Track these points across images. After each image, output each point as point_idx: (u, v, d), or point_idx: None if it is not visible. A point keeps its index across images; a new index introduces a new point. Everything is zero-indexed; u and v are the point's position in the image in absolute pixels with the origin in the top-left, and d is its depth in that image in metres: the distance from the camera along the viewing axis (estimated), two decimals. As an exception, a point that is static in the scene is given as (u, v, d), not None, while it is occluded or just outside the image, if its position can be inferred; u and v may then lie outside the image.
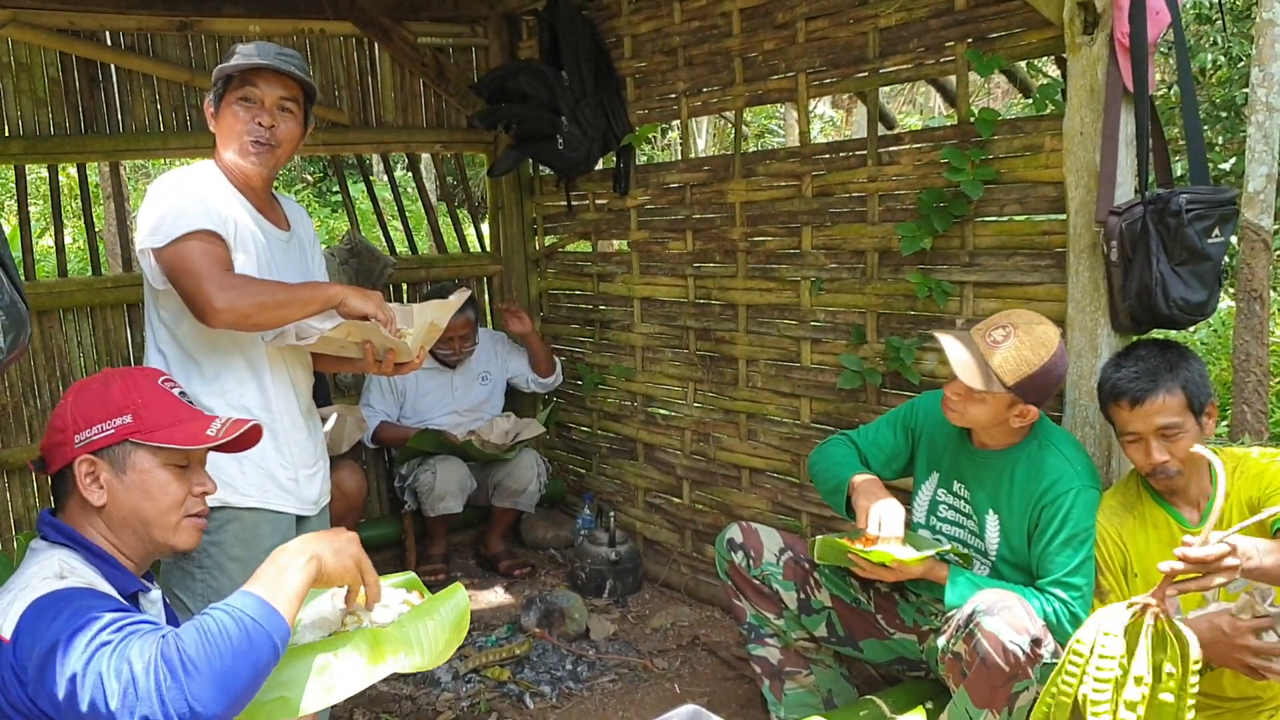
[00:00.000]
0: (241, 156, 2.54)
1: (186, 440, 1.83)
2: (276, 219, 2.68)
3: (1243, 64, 9.13)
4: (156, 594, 1.94)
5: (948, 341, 2.58)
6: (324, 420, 4.09)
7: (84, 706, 1.51)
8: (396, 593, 1.98)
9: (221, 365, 2.56)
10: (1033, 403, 2.56)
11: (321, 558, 1.75)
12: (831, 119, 14.69)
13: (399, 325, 2.57)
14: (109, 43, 4.26)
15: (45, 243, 8.81)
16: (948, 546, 2.71)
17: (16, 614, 1.60)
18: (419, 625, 1.84)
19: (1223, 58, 9.40)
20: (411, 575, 2.09)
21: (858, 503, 2.75)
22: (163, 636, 1.54)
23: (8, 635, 1.59)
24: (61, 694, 1.52)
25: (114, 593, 1.73)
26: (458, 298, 2.79)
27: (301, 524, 2.75)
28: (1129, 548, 2.55)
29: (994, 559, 2.72)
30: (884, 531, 2.65)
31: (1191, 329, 8.10)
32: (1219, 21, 9.46)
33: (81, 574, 1.72)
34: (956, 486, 2.81)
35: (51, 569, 1.70)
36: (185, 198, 2.43)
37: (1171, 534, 2.52)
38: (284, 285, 2.45)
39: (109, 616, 1.58)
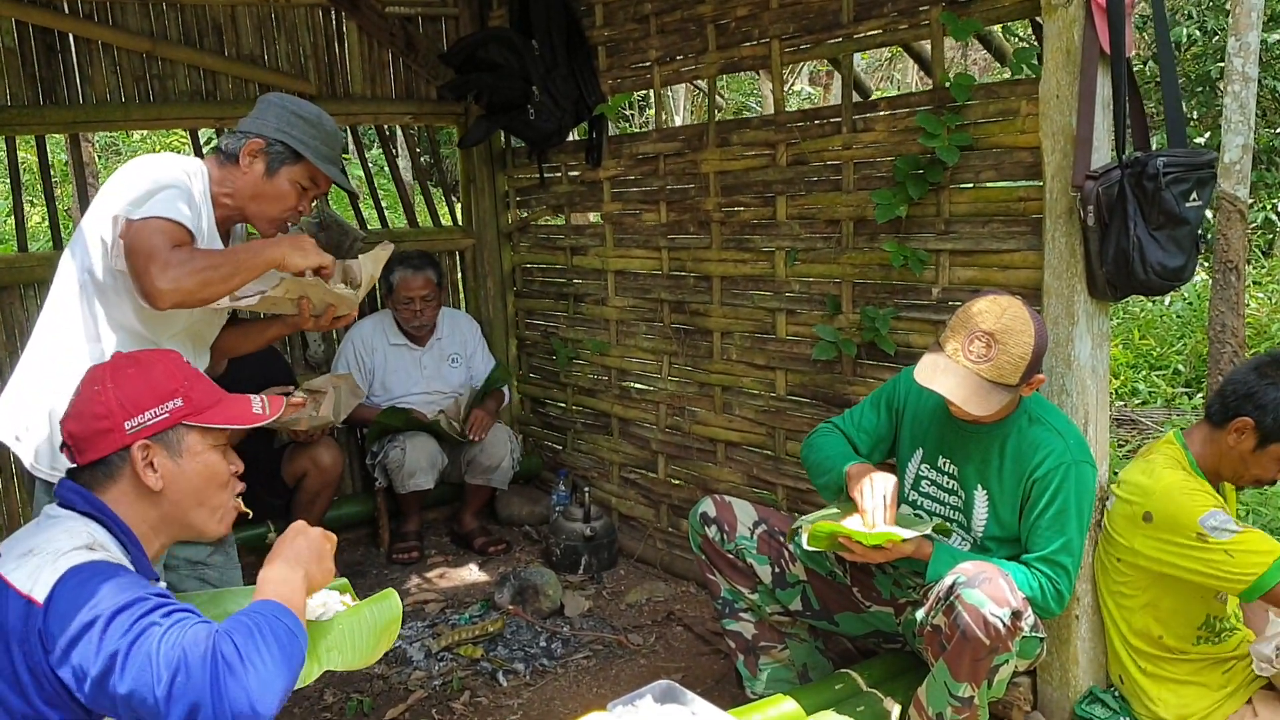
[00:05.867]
0: (270, 226, 2.65)
1: (237, 419, 1.86)
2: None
3: (1217, 38, 9.14)
4: (163, 587, 1.91)
5: (936, 382, 2.47)
6: (318, 393, 4.02)
7: (122, 689, 1.48)
8: (331, 594, 1.98)
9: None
10: (1036, 372, 2.51)
11: (312, 579, 1.81)
12: (810, 95, 14.61)
13: (337, 279, 2.63)
14: (67, 10, 4.13)
15: (9, 224, 8.65)
16: (931, 526, 2.63)
17: (50, 579, 1.58)
18: (351, 625, 1.87)
19: (1197, 31, 9.40)
20: (343, 580, 2.10)
21: (853, 493, 2.66)
22: (216, 631, 1.53)
23: (40, 599, 1.57)
24: (96, 670, 1.50)
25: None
26: (383, 249, 2.77)
27: None
28: None
29: (980, 535, 2.68)
30: (882, 505, 2.57)
31: (1167, 301, 8.17)
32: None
33: (111, 552, 1.70)
34: (942, 462, 2.76)
35: (81, 539, 1.68)
36: (178, 188, 2.42)
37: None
38: (225, 254, 2.47)
39: (154, 600, 1.57)
